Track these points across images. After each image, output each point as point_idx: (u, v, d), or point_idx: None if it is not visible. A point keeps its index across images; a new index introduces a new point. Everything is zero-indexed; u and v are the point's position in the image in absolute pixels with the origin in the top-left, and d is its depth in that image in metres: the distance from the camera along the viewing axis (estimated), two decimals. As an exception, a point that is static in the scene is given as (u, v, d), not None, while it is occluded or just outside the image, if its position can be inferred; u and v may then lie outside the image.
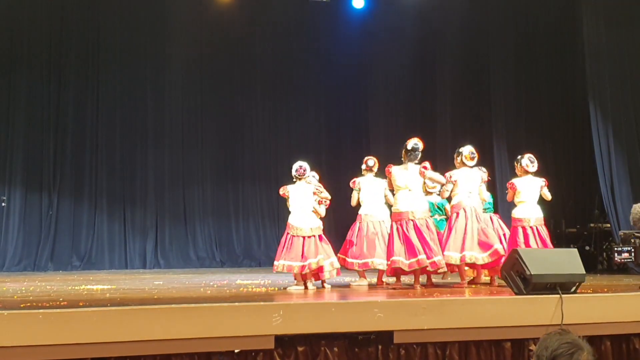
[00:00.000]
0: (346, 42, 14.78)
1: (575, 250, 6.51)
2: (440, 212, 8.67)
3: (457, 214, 7.87)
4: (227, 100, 14.41)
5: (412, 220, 7.55)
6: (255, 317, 5.17)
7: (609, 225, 11.07)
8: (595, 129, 11.10)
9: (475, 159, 8.11)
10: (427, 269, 7.50)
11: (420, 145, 7.74)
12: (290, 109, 14.76)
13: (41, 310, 4.88)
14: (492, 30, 12.93)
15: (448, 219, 8.23)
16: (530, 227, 7.92)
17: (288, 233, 7.66)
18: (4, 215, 12.88)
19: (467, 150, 8.09)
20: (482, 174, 8.19)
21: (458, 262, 7.76)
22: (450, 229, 7.86)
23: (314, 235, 7.63)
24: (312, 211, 7.73)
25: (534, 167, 8.09)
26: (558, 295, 5.75)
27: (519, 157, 8.28)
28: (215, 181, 14.32)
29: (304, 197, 7.74)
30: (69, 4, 13.52)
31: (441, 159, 13.30)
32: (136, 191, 13.84)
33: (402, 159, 7.80)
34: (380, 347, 5.47)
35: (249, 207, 14.41)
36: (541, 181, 8.12)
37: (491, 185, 12.63)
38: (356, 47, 14.73)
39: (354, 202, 8.54)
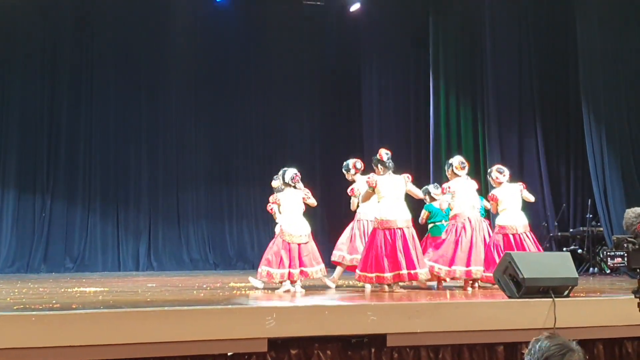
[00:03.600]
0: (340, 44, 14.80)
1: (568, 253, 6.54)
2: (446, 218, 8.49)
3: (463, 225, 7.88)
4: (221, 103, 14.40)
5: (399, 229, 7.53)
6: (249, 320, 5.17)
7: (601, 229, 11.09)
8: (588, 132, 11.13)
9: (466, 168, 8.15)
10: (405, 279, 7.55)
11: (390, 154, 7.77)
12: (284, 112, 14.75)
13: (34, 313, 4.87)
14: (485, 33, 12.95)
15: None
16: (514, 234, 7.87)
17: (283, 240, 7.62)
18: (-3, 216, 12.86)
19: (457, 160, 8.15)
20: (473, 182, 8.23)
21: (464, 277, 7.81)
22: (456, 242, 7.84)
23: (309, 242, 7.68)
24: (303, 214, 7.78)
25: (504, 177, 8.13)
26: (551, 299, 5.76)
27: (489, 170, 8.39)
28: (208, 183, 14.31)
29: (296, 203, 7.72)
30: (63, 6, 13.47)
31: (435, 161, 13.33)
32: (130, 193, 13.81)
33: (381, 170, 7.75)
34: (373, 350, 5.48)
35: (243, 210, 14.40)
36: (519, 185, 8.16)
37: (484, 191, 12.70)
38: (350, 49, 14.75)
39: (353, 207, 8.48)
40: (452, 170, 8.10)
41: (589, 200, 11.47)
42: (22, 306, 5.59)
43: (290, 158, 13.78)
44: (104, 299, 6.70)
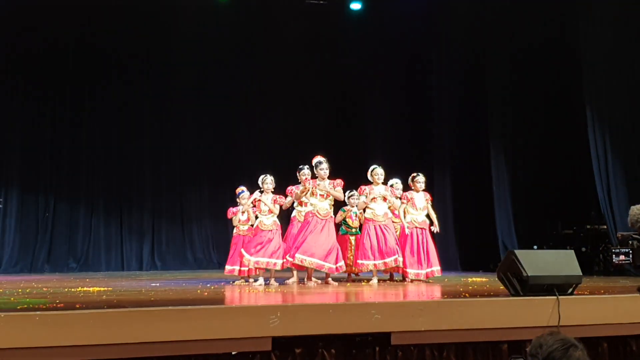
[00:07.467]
0: (343, 43, 14.77)
1: (572, 251, 6.52)
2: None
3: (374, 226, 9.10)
4: (224, 102, 14.40)
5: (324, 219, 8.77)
6: (253, 319, 5.16)
7: (605, 226, 11.07)
8: (591, 131, 11.12)
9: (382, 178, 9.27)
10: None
11: (324, 160, 8.93)
12: (288, 111, 14.73)
13: (38, 312, 4.86)
14: (489, 35, 12.94)
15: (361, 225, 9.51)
16: (416, 228, 9.37)
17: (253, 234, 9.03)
18: (0, 216, 12.86)
19: (372, 167, 9.35)
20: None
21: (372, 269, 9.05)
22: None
23: (275, 238, 8.89)
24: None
25: (421, 185, 9.60)
26: (555, 297, 5.75)
27: (414, 176, 9.66)
28: (212, 182, 14.30)
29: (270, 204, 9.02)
30: (67, 7, 13.46)
31: (437, 162, 13.33)
32: (133, 193, 13.82)
33: (316, 176, 8.90)
34: (377, 348, 5.47)
35: (246, 209, 14.38)
36: (427, 196, 9.61)
37: (488, 190, 12.70)
38: (353, 48, 14.72)
39: (288, 205, 9.39)
40: (373, 177, 9.26)
41: (593, 198, 11.45)
42: (25, 306, 5.59)
43: (293, 157, 13.78)
44: (107, 298, 6.70)
